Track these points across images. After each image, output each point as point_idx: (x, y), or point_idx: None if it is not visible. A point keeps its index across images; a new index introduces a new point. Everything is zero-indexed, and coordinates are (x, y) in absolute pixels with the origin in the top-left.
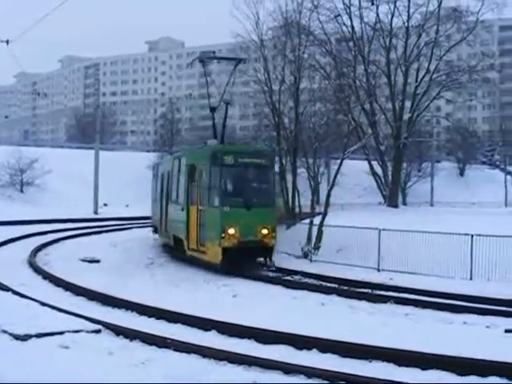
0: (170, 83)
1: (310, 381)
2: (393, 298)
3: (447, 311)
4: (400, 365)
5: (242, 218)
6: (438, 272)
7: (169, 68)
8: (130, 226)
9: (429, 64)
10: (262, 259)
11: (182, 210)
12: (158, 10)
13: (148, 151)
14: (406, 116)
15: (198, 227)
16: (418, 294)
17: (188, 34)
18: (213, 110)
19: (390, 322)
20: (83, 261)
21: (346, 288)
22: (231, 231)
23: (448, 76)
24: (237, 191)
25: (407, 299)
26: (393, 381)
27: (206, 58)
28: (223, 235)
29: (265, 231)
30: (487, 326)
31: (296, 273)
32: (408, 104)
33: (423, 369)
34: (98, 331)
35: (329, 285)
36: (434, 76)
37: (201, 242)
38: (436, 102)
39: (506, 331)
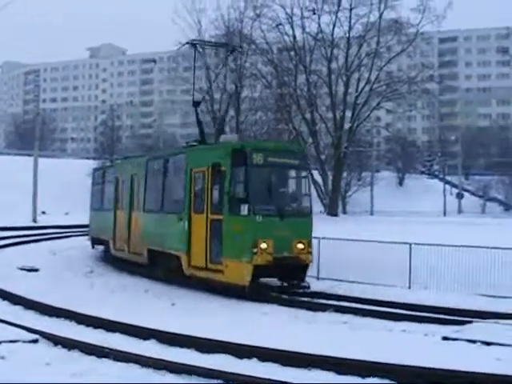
0: (111, 90)
1: None
2: (332, 306)
3: (386, 319)
4: (340, 373)
5: (275, 229)
6: (377, 280)
7: (110, 75)
8: (69, 234)
9: (369, 74)
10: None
11: (180, 220)
12: (99, 16)
13: (88, 158)
14: (346, 126)
15: (209, 240)
16: (358, 303)
17: (130, 41)
18: (196, 104)
19: (330, 330)
20: (21, 269)
21: (286, 297)
22: (263, 245)
23: (388, 86)
24: (268, 197)
25: (347, 307)
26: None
27: (197, 42)
28: (255, 250)
29: (301, 246)
30: (425, 334)
31: None
32: (348, 114)
33: (363, 376)
34: (35, 341)
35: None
36: (375, 86)
37: (213, 258)
38: (376, 112)
39: (444, 339)
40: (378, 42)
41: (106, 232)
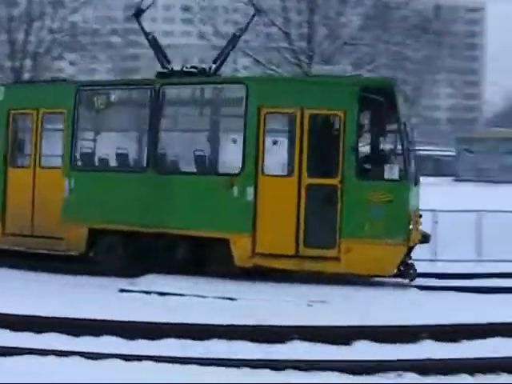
0: None
1: None
2: None
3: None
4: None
5: (413, 200)
6: None
7: None
8: None
9: (52, 24)
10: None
11: (232, 186)
12: None
13: None
14: (26, 75)
15: (304, 216)
16: None
17: None
18: (138, 13)
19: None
20: None
21: None
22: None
23: (72, 37)
24: (408, 157)
25: None
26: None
27: None
28: (411, 227)
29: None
30: (101, 287)
31: None
32: (29, 64)
33: (38, 332)
34: None
35: None
36: (57, 36)
37: (313, 241)
38: (59, 64)
39: (121, 291)
40: None
41: None
